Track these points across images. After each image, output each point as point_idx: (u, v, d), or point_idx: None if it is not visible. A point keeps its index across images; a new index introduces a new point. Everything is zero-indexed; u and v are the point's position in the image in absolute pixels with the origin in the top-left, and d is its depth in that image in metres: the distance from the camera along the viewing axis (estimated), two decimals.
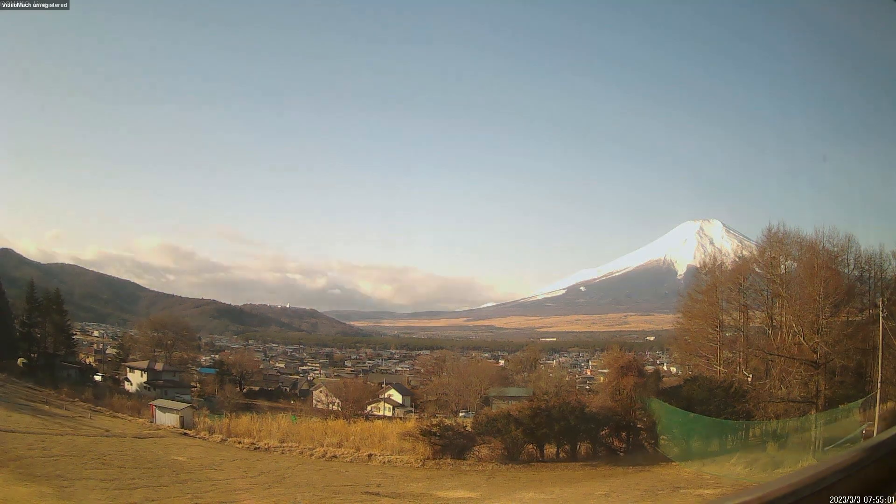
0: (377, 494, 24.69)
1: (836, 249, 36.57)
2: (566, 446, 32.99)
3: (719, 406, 30.91)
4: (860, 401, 28.50)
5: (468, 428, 33.54)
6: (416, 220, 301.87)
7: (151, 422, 37.86)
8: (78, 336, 58.33)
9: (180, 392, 50.63)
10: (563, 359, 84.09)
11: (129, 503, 19.58)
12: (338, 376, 67.63)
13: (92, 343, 66.66)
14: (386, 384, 59.26)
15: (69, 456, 25.75)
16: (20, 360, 47.02)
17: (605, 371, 50.24)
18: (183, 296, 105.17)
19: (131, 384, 52.61)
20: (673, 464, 29.76)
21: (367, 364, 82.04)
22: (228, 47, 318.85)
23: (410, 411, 52.12)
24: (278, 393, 61.69)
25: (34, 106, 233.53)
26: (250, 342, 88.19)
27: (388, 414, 51.47)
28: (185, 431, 36.48)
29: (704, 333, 39.91)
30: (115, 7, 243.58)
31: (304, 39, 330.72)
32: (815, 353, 31.90)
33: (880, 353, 28.72)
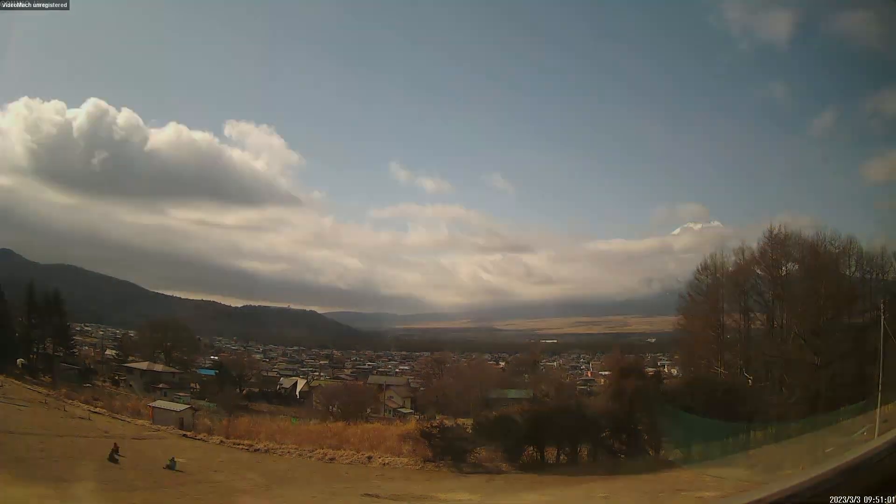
0: (377, 496, 24.63)
1: (837, 251, 36.55)
2: (567, 448, 32.90)
3: (720, 408, 30.83)
4: (861, 403, 28.41)
5: (468, 430, 33.48)
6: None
7: (151, 423, 37.84)
8: (78, 337, 58.05)
9: (180, 393, 50.52)
10: (564, 361, 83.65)
11: None
12: (338, 378, 67.26)
13: (92, 344, 66.27)
14: (386, 386, 59.08)
15: (69, 458, 25.75)
16: (20, 361, 46.90)
17: (605, 373, 50.07)
18: (183, 297, 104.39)
19: (131, 385, 52.49)
20: (674, 466, 29.67)
21: (367, 365, 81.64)
22: None
23: (410, 413, 51.95)
24: (278, 394, 61.41)
25: None
26: (250, 343, 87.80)
27: (388, 416, 51.32)
28: (185, 433, 36.44)
29: (705, 336, 39.86)
30: None
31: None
32: (817, 355, 31.85)
33: (881, 356, 28.62)
